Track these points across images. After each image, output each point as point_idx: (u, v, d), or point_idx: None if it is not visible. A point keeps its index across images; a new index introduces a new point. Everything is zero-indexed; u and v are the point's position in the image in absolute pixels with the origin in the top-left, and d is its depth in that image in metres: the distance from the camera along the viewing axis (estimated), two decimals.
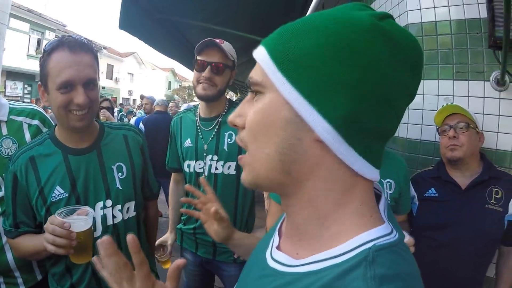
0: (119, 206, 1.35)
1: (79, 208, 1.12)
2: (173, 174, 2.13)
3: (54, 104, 1.19)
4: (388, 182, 1.59)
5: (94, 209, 1.27)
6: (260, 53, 0.49)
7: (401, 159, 1.69)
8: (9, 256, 1.46)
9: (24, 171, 1.23)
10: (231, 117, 0.54)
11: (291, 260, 0.50)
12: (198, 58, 1.71)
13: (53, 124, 1.55)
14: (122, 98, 31.07)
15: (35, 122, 1.56)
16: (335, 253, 0.44)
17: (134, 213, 1.42)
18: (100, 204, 1.31)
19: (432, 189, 1.75)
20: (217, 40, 1.69)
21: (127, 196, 1.39)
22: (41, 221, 1.24)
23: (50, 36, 20.60)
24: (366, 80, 0.42)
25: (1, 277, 1.49)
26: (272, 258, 0.55)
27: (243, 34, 3.96)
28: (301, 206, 0.50)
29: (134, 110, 16.36)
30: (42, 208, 1.22)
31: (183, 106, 9.50)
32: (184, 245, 1.99)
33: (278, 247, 0.56)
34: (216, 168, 1.78)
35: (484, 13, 1.82)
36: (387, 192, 1.58)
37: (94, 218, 1.25)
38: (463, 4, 1.92)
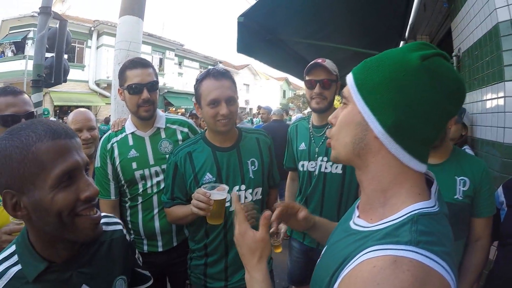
0: (250, 190, 1.84)
1: (218, 185, 1.60)
2: (290, 172, 2.65)
3: (206, 115, 1.75)
4: (462, 179, 1.76)
5: (231, 191, 1.76)
6: (349, 78, 0.80)
7: (479, 161, 1.81)
8: (156, 224, 2.04)
9: (183, 162, 1.81)
10: (330, 117, 0.88)
11: (367, 223, 0.79)
12: (307, 78, 2.19)
13: (196, 130, 2.23)
14: (239, 107, 33.33)
15: (185, 129, 2.18)
16: (394, 217, 0.72)
17: (261, 196, 1.90)
18: (237, 187, 1.81)
19: None
20: (319, 60, 2.13)
21: (257, 183, 1.87)
22: (191, 196, 1.73)
23: (170, 55, 24.29)
24: (409, 103, 0.69)
25: (146, 239, 2.07)
26: (354, 223, 0.84)
27: (344, 47, 4.24)
28: (368, 181, 0.80)
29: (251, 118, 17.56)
30: (195, 187, 1.73)
31: (294, 117, 10.10)
32: (293, 236, 2.45)
33: (358, 217, 0.85)
34: (326, 168, 2.19)
35: None
36: (459, 188, 1.76)
37: (231, 197, 1.73)
38: None
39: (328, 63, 2.11)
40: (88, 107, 17.68)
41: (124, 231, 1.23)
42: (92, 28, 19.34)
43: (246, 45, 3.75)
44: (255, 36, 3.92)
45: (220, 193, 1.56)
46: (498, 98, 2.27)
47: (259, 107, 9.46)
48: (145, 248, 2.07)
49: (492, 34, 2.27)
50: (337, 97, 2.37)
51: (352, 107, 0.78)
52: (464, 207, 1.75)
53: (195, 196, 1.56)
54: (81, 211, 0.92)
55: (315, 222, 1.25)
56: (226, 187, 1.61)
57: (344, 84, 0.87)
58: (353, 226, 0.83)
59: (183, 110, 21.37)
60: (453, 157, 1.82)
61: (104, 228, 1.12)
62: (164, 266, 2.12)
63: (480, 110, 2.66)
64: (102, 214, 1.15)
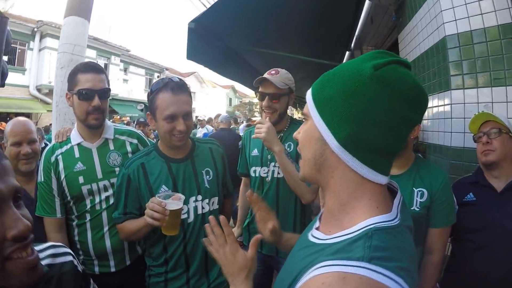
0: (207, 200, 1.81)
1: (173, 194, 1.55)
2: (243, 178, 2.61)
3: (161, 129, 1.68)
4: (420, 190, 1.78)
5: (188, 202, 1.74)
6: (308, 94, 0.79)
7: (440, 172, 1.83)
8: (107, 243, 1.89)
9: (137, 174, 1.72)
10: (295, 134, 0.87)
11: (324, 235, 0.77)
12: (259, 89, 2.16)
13: (146, 142, 2.13)
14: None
15: (135, 141, 2.08)
16: (350, 231, 0.69)
17: (217, 206, 1.87)
18: (193, 198, 1.77)
19: (471, 194, 1.89)
20: (272, 72, 2.11)
21: (212, 192, 1.84)
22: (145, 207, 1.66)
23: (115, 61, 23.14)
24: (362, 114, 0.67)
25: (97, 260, 1.91)
26: (312, 235, 0.82)
27: (292, 55, 4.33)
28: (330, 195, 0.77)
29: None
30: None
31: (241, 126, 10.22)
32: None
33: (317, 228, 0.83)
34: (278, 173, 2.18)
35: None
36: (417, 200, 1.77)
37: (188, 208, 1.74)
38: (495, 10, 2.06)
39: (280, 76, 2.09)
40: (28, 115, 16.22)
41: (75, 261, 1.03)
42: (35, 29, 17.65)
43: (196, 51, 3.68)
44: (205, 43, 3.86)
45: (176, 202, 1.52)
46: (445, 105, 2.41)
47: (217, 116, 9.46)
48: (96, 269, 1.92)
49: (439, 46, 2.41)
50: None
51: (311, 122, 0.77)
52: (421, 217, 1.76)
53: (150, 206, 1.50)
54: (11, 254, 0.73)
55: (286, 238, 1.31)
56: (182, 196, 1.56)
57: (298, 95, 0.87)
58: (310, 238, 0.82)
59: (128, 118, 20.53)
60: (414, 167, 1.83)
61: (51, 261, 0.94)
62: (118, 287, 1.98)
63: (427, 116, 2.83)
64: (48, 244, 0.99)
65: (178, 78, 1.77)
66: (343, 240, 0.69)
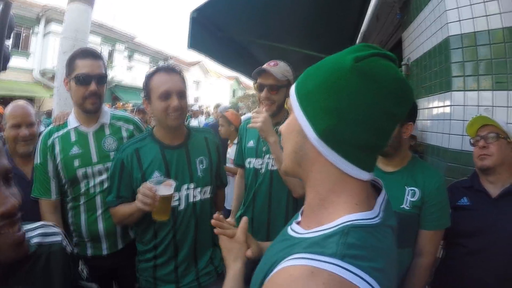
0: (199, 189, 1.83)
1: (165, 180, 1.58)
2: (239, 170, 2.62)
3: (156, 109, 1.71)
4: (411, 189, 1.73)
5: (180, 190, 1.77)
6: (292, 88, 0.78)
7: (436, 173, 1.78)
8: (100, 226, 1.94)
9: (130, 159, 1.75)
10: (280, 127, 0.87)
11: (302, 230, 0.76)
12: (258, 80, 2.14)
13: (142, 129, 2.16)
14: (189, 104, 32.68)
15: (131, 127, 2.12)
16: (327, 227, 0.67)
17: (210, 195, 1.89)
18: (185, 186, 1.79)
19: (465, 198, 1.87)
20: (272, 63, 2.09)
21: (205, 181, 1.86)
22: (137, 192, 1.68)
23: (120, 48, 22.94)
24: (342, 107, 0.65)
25: (90, 242, 1.96)
26: (291, 229, 0.81)
27: (296, 49, 4.29)
28: (309, 190, 0.76)
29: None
30: None
31: (244, 116, 10.16)
32: None
33: (298, 223, 0.82)
34: (273, 165, 2.17)
35: None
36: (407, 198, 1.73)
37: (180, 196, 1.77)
38: (501, 13, 2.01)
39: (279, 67, 2.07)
40: (32, 99, 16.25)
41: (64, 242, 1.07)
42: (41, 14, 17.51)
43: (197, 41, 3.68)
44: (208, 32, 3.86)
45: (166, 188, 1.54)
46: (445, 106, 2.38)
47: (217, 105, 9.46)
48: (89, 251, 1.98)
49: (442, 46, 2.38)
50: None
51: (293, 115, 0.76)
52: (411, 217, 1.72)
53: (141, 191, 1.54)
54: None
55: (263, 251, 1.29)
56: (173, 183, 1.58)
57: None
58: (289, 231, 0.82)
59: (130, 105, 20.53)
60: (408, 166, 1.79)
61: (40, 240, 0.98)
62: (110, 270, 2.05)
63: (426, 117, 2.80)
64: (39, 223, 1.03)
65: (172, 64, 1.83)
66: (319, 235, 0.67)
